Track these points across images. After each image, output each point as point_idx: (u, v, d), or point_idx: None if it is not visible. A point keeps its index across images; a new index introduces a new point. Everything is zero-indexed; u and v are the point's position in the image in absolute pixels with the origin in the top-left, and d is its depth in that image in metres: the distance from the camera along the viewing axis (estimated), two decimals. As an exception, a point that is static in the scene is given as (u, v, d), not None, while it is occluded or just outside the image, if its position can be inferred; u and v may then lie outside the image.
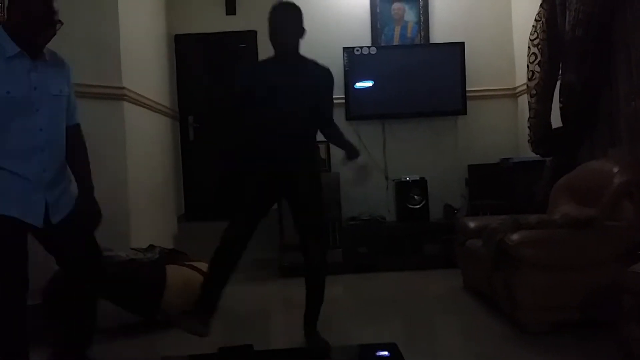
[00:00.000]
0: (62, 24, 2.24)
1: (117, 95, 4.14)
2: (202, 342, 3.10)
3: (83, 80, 3.85)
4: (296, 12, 2.83)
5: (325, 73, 2.95)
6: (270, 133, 2.85)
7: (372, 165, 5.24)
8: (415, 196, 5.01)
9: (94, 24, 4.02)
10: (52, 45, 3.65)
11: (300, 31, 2.85)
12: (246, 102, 2.87)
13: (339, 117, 5.07)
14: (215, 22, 5.87)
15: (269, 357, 2.60)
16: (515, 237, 2.95)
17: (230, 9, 5.88)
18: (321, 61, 5.11)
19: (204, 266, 3.73)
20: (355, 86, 5.15)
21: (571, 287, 2.82)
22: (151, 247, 3.95)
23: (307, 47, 5.12)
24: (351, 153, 2.94)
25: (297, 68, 2.88)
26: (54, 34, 2.24)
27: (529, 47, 4.32)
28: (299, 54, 2.91)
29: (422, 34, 5.30)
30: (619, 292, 2.38)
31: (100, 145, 4.01)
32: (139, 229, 4.34)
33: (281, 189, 2.91)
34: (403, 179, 5.07)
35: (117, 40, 4.15)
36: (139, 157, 4.49)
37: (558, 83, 4.10)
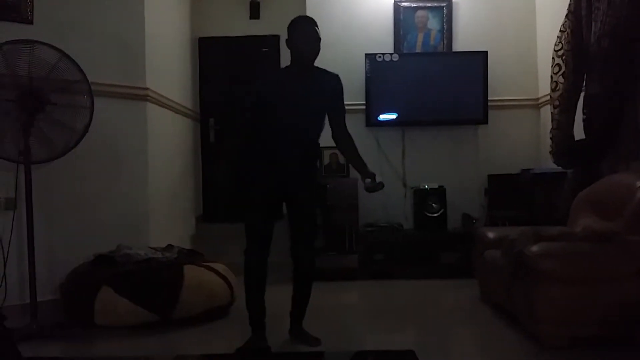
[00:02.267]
0: None
1: (141, 96, 4.19)
2: (217, 344, 3.12)
3: (108, 80, 3.92)
4: (317, 27, 2.96)
5: (335, 79, 3.04)
6: (283, 139, 2.93)
7: (391, 173, 5.25)
8: (433, 204, 4.98)
9: (120, 25, 4.08)
10: (80, 44, 3.73)
11: (319, 45, 2.98)
12: (260, 108, 2.95)
13: (359, 123, 5.14)
14: (239, 26, 5.92)
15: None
16: (535, 249, 2.91)
17: (254, 14, 5.91)
18: (343, 67, 5.16)
19: (220, 267, 3.76)
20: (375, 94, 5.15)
21: (592, 302, 2.77)
22: (170, 247, 3.99)
23: (330, 53, 5.19)
24: (367, 176, 2.96)
25: (312, 76, 2.99)
26: None
27: (553, 58, 4.28)
28: (313, 64, 3.01)
29: (445, 42, 5.28)
30: (641, 308, 2.34)
31: (122, 144, 4.09)
32: (158, 228, 4.37)
33: (284, 194, 2.99)
34: (422, 187, 5.04)
35: (142, 41, 4.20)
36: (160, 157, 4.53)
37: (582, 95, 4.06)
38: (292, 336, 3.11)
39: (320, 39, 2.95)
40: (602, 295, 2.78)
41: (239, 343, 2.91)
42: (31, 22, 3.68)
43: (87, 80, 3.44)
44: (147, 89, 4.22)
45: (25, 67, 3.26)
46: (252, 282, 2.96)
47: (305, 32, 2.92)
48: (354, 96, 5.11)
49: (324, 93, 2.98)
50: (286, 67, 3.06)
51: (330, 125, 3.02)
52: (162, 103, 4.61)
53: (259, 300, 2.97)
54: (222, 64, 5.99)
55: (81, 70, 3.41)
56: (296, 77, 2.95)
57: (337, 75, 3.05)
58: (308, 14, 5.24)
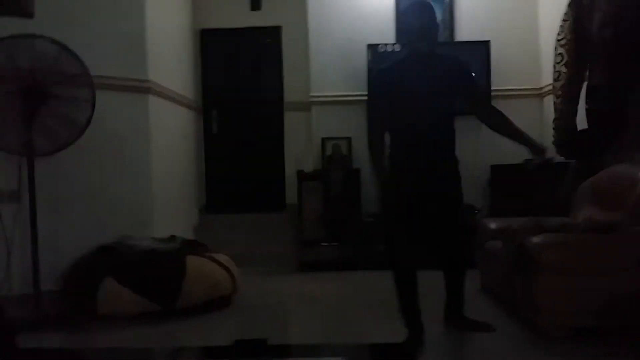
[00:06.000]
0: None
1: (143, 88, 4.19)
2: (218, 335, 3.14)
3: (109, 72, 3.93)
4: (432, 10, 2.95)
5: (457, 62, 3.01)
6: (418, 133, 2.90)
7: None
8: (436, 195, 4.97)
9: (121, 17, 4.08)
10: (81, 37, 3.74)
11: (437, 28, 2.98)
12: (391, 105, 2.89)
13: (362, 114, 5.13)
14: (241, 17, 5.89)
15: (283, 351, 2.62)
16: (536, 240, 2.91)
17: (256, 5, 5.89)
18: (345, 58, 5.15)
19: (223, 258, 3.78)
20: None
21: (593, 293, 2.77)
22: (172, 237, 4.00)
23: (332, 44, 5.21)
24: (535, 149, 3.02)
25: (434, 64, 2.93)
26: None
27: (555, 48, 4.26)
28: (434, 51, 2.96)
29: (447, 31, 5.25)
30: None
31: (125, 137, 4.10)
32: (160, 219, 4.39)
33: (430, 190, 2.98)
34: (424, 178, 5.03)
35: (143, 33, 4.20)
36: (163, 149, 4.55)
37: (585, 85, 4.04)
38: (454, 325, 3.10)
39: (436, 23, 2.97)
40: (602, 287, 2.77)
41: (241, 333, 2.93)
42: (32, 16, 3.67)
43: (89, 73, 3.44)
44: (148, 80, 4.23)
45: (27, 60, 3.27)
46: (405, 284, 3.00)
47: (420, 19, 2.92)
48: (356, 87, 5.11)
49: (451, 79, 2.95)
50: (406, 56, 3.05)
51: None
52: (164, 95, 4.62)
53: (413, 302, 2.97)
54: (224, 55, 5.98)
55: (83, 64, 3.42)
56: (422, 67, 2.90)
57: (458, 57, 3.06)
58: (309, 4, 5.24)
